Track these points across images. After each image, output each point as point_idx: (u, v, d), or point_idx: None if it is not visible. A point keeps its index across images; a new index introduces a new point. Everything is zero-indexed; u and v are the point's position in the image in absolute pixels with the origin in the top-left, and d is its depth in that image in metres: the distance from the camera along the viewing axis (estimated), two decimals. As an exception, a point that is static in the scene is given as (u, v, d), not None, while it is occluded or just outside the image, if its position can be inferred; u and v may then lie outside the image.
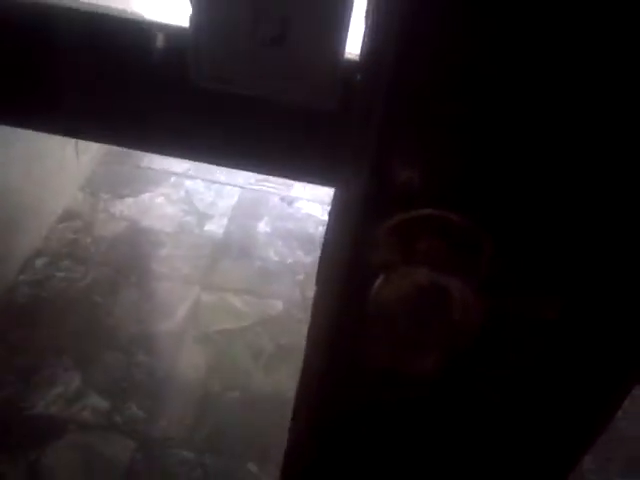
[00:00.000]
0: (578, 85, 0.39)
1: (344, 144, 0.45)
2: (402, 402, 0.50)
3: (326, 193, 2.60)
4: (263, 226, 2.43)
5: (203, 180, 2.59)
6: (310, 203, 2.56)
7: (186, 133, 0.60)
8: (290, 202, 2.56)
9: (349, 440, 0.60)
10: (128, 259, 2.21)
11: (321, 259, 0.52)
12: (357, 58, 0.45)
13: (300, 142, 0.48)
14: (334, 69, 0.43)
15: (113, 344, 1.94)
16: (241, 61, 0.45)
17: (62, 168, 2.23)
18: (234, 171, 2.62)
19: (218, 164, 0.56)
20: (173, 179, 2.55)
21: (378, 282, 0.42)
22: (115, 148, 2.59)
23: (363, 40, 0.42)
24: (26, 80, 0.65)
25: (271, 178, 2.63)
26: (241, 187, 2.59)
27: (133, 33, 0.59)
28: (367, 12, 0.43)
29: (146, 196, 2.45)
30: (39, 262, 2.10)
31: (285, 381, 1.93)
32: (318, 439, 0.61)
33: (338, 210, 0.48)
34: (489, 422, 0.50)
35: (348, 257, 0.45)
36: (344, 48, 0.43)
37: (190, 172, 2.59)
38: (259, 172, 0.54)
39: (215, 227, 2.39)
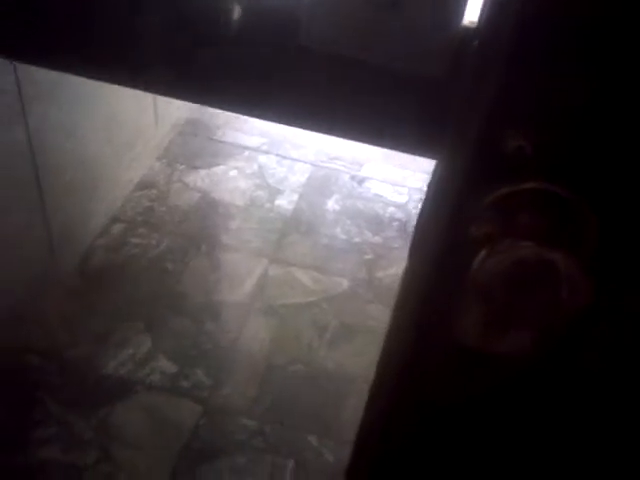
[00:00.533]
0: None
1: (450, 113, 0.44)
2: (493, 387, 0.48)
3: (398, 174, 2.58)
4: (332, 204, 2.43)
5: (276, 155, 2.60)
6: (380, 183, 2.54)
7: (275, 96, 0.59)
8: (360, 181, 2.54)
9: (429, 428, 0.57)
10: (200, 229, 2.25)
11: (415, 232, 0.51)
12: (473, 25, 0.43)
13: (404, 111, 0.47)
14: (449, 35, 0.42)
15: (182, 311, 1.99)
16: (355, 24, 0.44)
17: (140, 136, 2.28)
18: (306, 147, 2.62)
19: (312, 130, 0.56)
20: (246, 153, 2.58)
21: (480, 256, 0.41)
22: (191, 118, 2.64)
23: (482, 6, 0.40)
24: (110, 34, 0.66)
25: (342, 156, 2.62)
26: (312, 164, 2.59)
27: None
28: None
29: (219, 169, 2.48)
30: (116, 228, 2.17)
31: (348, 359, 1.93)
32: (395, 423, 0.59)
33: (439, 181, 0.47)
34: (585, 415, 0.48)
35: (447, 230, 0.44)
36: (462, 14, 0.41)
37: (263, 147, 2.61)
38: (358, 140, 0.53)
39: (285, 202, 2.41)
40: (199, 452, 1.68)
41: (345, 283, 2.15)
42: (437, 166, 0.50)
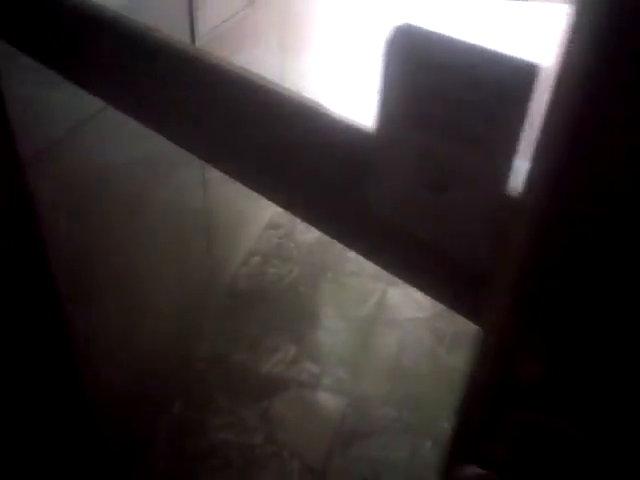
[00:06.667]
0: None
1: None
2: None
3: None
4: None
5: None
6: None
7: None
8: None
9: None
10: (324, 259, 2.59)
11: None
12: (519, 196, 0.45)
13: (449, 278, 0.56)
14: (490, 223, 0.48)
15: (318, 324, 2.31)
16: (410, 202, 0.51)
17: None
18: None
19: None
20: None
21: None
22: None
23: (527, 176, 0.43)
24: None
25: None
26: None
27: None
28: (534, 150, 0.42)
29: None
30: (254, 260, 2.54)
31: (467, 360, 2.18)
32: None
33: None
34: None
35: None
36: (504, 202, 0.45)
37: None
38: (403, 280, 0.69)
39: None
40: (348, 434, 1.95)
41: (456, 298, 2.42)
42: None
